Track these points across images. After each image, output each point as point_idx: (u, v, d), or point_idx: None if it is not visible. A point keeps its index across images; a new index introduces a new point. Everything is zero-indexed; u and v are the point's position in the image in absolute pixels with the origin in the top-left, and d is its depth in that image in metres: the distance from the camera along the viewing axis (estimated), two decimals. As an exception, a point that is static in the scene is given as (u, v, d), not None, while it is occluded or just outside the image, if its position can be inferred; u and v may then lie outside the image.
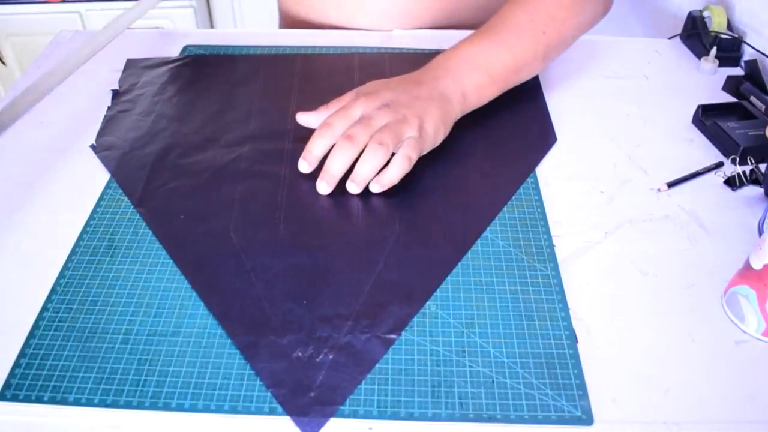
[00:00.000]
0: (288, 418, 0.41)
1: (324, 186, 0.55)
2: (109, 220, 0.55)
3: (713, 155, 0.64)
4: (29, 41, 1.73)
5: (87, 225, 0.55)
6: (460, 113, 0.60)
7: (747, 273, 0.46)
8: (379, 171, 0.55)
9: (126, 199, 0.57)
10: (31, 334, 0.46)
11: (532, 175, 0.60)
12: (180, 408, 0.42)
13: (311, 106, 0.70)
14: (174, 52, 0.80)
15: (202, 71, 0.75)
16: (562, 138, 0.65)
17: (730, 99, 0.72)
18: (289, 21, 0.92)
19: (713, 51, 0.76)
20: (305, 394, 0.42)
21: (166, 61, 0.77)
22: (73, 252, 0.52)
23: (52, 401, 0.42)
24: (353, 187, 0.55)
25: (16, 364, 0.44)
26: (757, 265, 0.45)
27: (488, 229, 0.55)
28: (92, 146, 0.64)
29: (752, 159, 0.61)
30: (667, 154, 0.64)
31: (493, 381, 0.43)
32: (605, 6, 0.70)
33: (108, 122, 0.67)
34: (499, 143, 0.64)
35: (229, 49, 0.80)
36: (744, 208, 0.57)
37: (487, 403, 0.42)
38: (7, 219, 0.56)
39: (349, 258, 0.51)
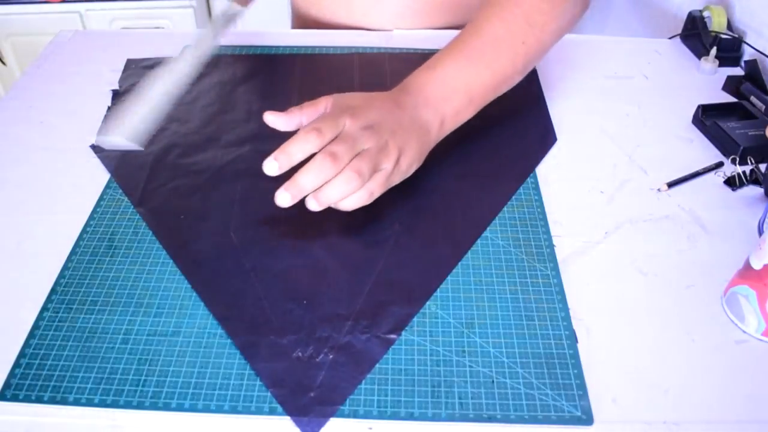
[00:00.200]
0: (288, 418, 0.41)
1: (287, 198, 0.48)
2: (109, 220, 0.55)
3: (713, 155, 0.64)
4: (29, 41, 1.73)
5: (87, 225, 0.55)
6: (436, 142, 0.57)
7: (747, 273, 0.46)
8: None
9: (126, 199, 0.57)
10: (31, 334, 0.46)
11: (532, 175, 0.60)
12: (180, 408, 0.42)
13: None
14: (174, 52, 0.79)
15: (202, 71, 0.75)
16: (562, 138, 0.65)
17: (730, 99, 0.72)
18: (300, 21, 0.92)
19: (713, 51, 0.76)
20: (305, 394, 0.42)
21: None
22: (73, 252, 0.52)
23: (52, 401, 0.42)
24: (313, 204, 0.49)
25: (16, 364, 0.44)
26: (757, 265, 0.45)
27: (488, 229, 0.55)
28: (92, 146, 0.64)
29: (752, 159, 0.61)
30: (667, 154, 0.64)
31: (493, 381, 0.43)
32: (584, 6, 0.66)
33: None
34: (499, 143, 0.64)
35: (229, 49, 0.80)
36: (744, 208, 0.57)
37: (487, 403, 0.42)
38: (7, 219, 0.56)
39: (349, 258, 0.51)
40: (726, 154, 0.63)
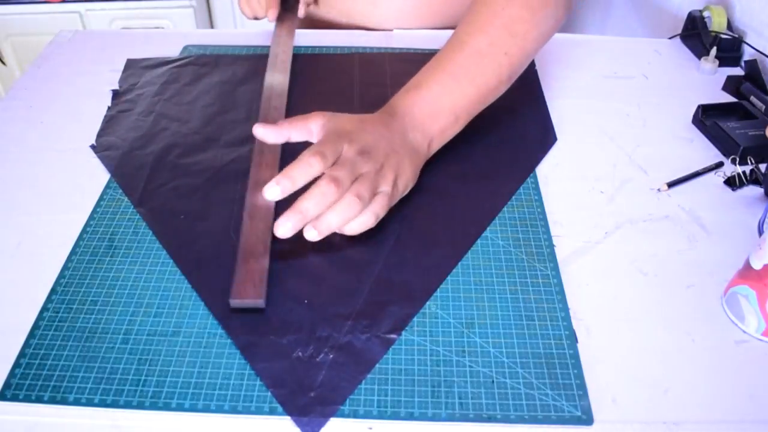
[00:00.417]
0: (288, 418, 0.41)
1: (287, 227, 0.47)
2: (109, 220, 0.55)
3: (713, 155, 0.64)
4: (29, 41, 1.73)
5: (87, 225, 0.55)
6: (424, 161, 0.57)
7: (747, 273, 0.46)
8: None
9: (126, 199, 0.57)
10: (31, 334, 0.46)
11: (532, 175, 0.60)
12: (180, 408, 0.42)
13: (311, 106, 0.70)
14: (174, 52, 0.80)
15: (202, 71, 0.75)
16: (562, 138, 0.65)
17: (730, 99, 0.72)
18: (306, 20, 0.92)
19: (713, 51, 0.76)
20: (305, 394, 0.42)
21: (166, 61, 0.77)
22: (73, 252, 0.52)
23: (52, 401, 0.42)
24: (313, 234, 0.48)
25: (16, 364, 0.44)
26: (757, 265, 0.45)
27: (488, 229, 0.55)
28: (92, 146, 0.64)
29: (752, 159, 0.61)
30: (667, 154, 0.64)
31: (493, 381, 0.43)
32: (567, 8, 0.65)
33: (108, 122, 0.67)
34: (499, 143, 0.64)
35: (229, 49, 0.80)
36: (744, 208, 0.57)
37: (487, 403, 0.42)
38: (7, 219, 0.56)
39: (349, 258, 0.51)
40: (726, 154, 0.63)
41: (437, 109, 0.57)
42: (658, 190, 0.59)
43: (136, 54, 0.78)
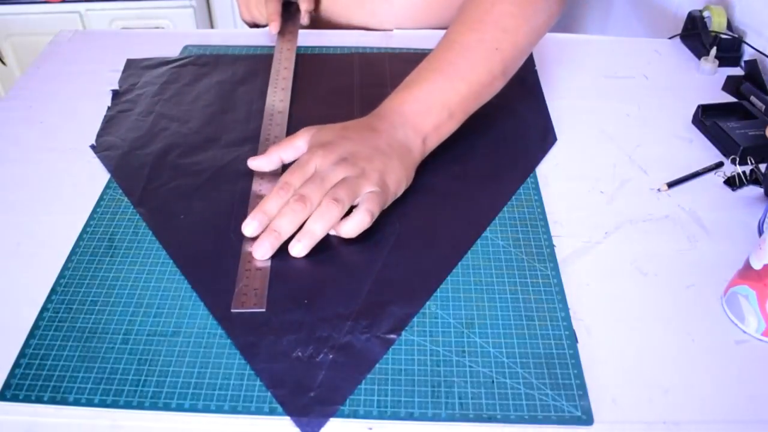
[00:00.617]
0: (288, 418, 0.41)
1: (266, 248, 0.50)
2: (109, 220, 0.55)
3: (713, 155, 0.64)
4: (29, 41, 1.73)
5: (87, 225, 0.55)
6: (421, 159, 0.57)
7: (747, 273, 0.46)
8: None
9: (126, 199, 0.57)
10: (31, 334, 0.46)
11: (532, 175, 0.60)
12: (180, 408, 0.42)
13: (311, 105, 0.70)
14: (174, 52, 0.80)
15: (202, 71, 0.75)
16: (562, 138, 0.65)
17: (730, 99, 0.72)
18: (313, 21, 0.93)
19: (713, 51, 0.76)
20: (305, 395, 0.42)
21: (166, 61, 0.77)
22: (73, 252, 0.52)
23: (52, 401, 0.42)
24: (299, 248, 0.50)
25: (16, 364, 0.44)
26: (757, 265, 0.45)
27: (488, 229, 0.54)
28: (92, 146, 0.64)
29: (752, 159, 0.61)
30: (667, 154, 0.64)
31: (493, 381, 0.43)
32: (560, 2, 0.65)
33: (108, 122, 0.67)
34: (499, 143, 0.64)
35: (229, 49, 0.80)
36: (744, 208, 0.57)
37: (487, 403, 0.42)
38: (7, 219, 0.56)
39: (349, 258, 0.51)
40: (726, 154, 0.63)
41: (428, 105, 0.57)
42: (658, 190, 0.59)
43: (136, 54, 0.78)
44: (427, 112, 0.57)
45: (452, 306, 0.48)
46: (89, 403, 0.42)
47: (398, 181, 0.54)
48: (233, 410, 0.42)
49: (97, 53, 0.80)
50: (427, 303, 0.48)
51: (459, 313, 0.48)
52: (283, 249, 0.51)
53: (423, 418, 0.41)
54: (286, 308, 0.48)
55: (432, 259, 0.51)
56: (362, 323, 0.46)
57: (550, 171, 0.61)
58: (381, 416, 0.41)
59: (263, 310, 0.47)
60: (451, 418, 0.41)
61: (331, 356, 0.44)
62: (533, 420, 0.41)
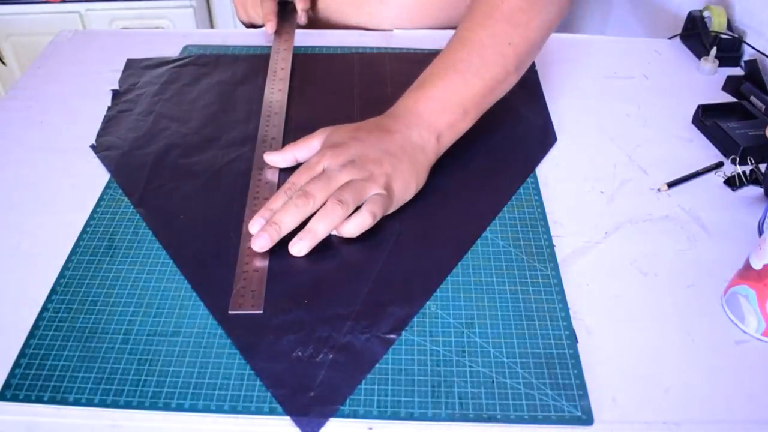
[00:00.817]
0: (288, 418, 0.41)
1: (265, 239, 0.50)
2: (109, 220, 0.55)
3: (713, 155, 0.64)
4: (29, 41, 1.73)
5: (87, 225, 0.55)
6: (435, 158, 0.57)
7: (747, 273, 0.46)
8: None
9: (126, 199, 0.57)
10: (31, 334, 0.46)
11: (532, 175, 0.60)
12: (180, 408, 0.42)
13: (311, 105, 0.70)
14: (174, 52, 0.80)
15: (202, 71, 0.75)
16: (562, 138, 0.65)
17: (730, 99, 0.72)
18: (309, 20, 0.93)
19: (713, 51, 0.76)
20: (305, 394, 0.42)
21: (166, 61, 0.77)
22: (73, 252, 0.52)
23: (52, 401, 0.42)
24: (300, 247, 0.50)
25: (16, 364, 0.44)
26: (757, 265, 0.45)
27: (488, 229, 0.54)
28: (92, 146, 0.64)
29: (752, 159, 0.61)
30: (667, 154, 0.64)
31: (493, 381, 0.43)
32: None
33: (108, 122, 0.67)
34: (499, 143, 0.64)
35: (229, 49, 0.80)
36: (744, 208, 0.57)
37: (487, 403, 0.42)
38: (7, 219, 0.56)
39: (349, 258, 0.51)
40: (726, 154, 0.63)
41: (443, 104, 0.57)
42: (658, 190, 0.59)
43: (136, 54, 0.78)
44: (441, 110, 0.57)
45: (452, 306, 0.48)
46: (89, 403, 0.42)
47: (406, 185, 0.54)
48: (233, 410, 0.42)
49: (97, 53, 0.80)
50: (427, 303, 0.48)
51: (459, 313, 0.48)
52: (283, 249, 0.51)
53: (423, 418, 0.41)
54: (286, 308, 0.48)
55: (432, 259, 0.51)
56: (362, 323, 0.46)
57: (550, 171, 0.61)
58: (381, 416, 0.41)
59: (260, 311, 0.47)
60: (451, 418, 0.41)
61: (331, 356, 0.44)
62: (533, 420, 0.41)
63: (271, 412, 0.42)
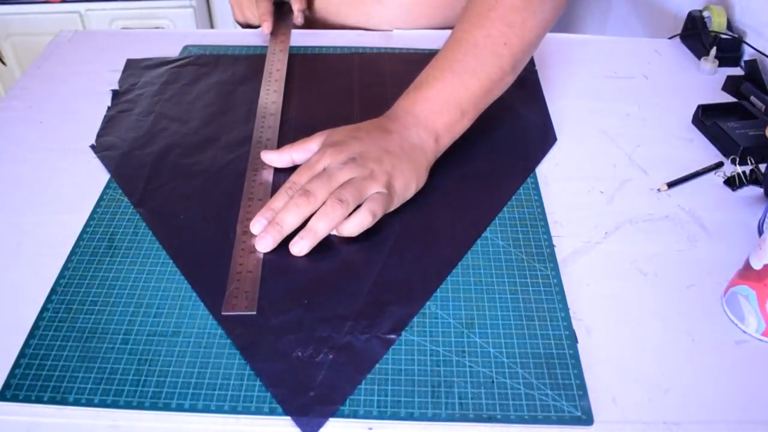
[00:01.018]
0: (288, 418, 0.41)
1: (268, 241, 0.51)
2: (109, 220, 0.55)
3: (713, 155, 0.64)
4: (29, 41, 1.73)
5: (87, 225, 0.55)
6: (434, 159, 0.57)
7: (747, 273, 0.46)
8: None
9: (126, 199, 0.57)
10: (31, 334, 0.46)
11: (532, 175, 0.60)
12: (180, 408, 0.42)
13: (311, 105, 0.70)
14: (174, 52, 0.80)
15: (202, 71, 0.75)
16: (562, 138, 0.65)
17: (730, 99, 0.72)
18: (306, 20, 0.93)
19: (713, 51, 0.76)
20: (305, 394, 0.42)
21: (166, 61, 0.77)
22: (73, 252, 0.52)
23: (52, 401, 0.42)
24: (300, 246, 0.50)
25: (16, 364, 0.44)
26: (757, 265, 0.45)
27: (488, 229, 0.54)
28: (92, 146, 0.64)
29: (752, 159, 0.61)
30: (667, 154, 0.64)
31: (493, 381, 0.43)
32: None
33: (108, 122, 0.67)
34: (499, 143, 0.64)
35: (229, 49, 0.80)
36: (744, 208, 0.57)
37: (487, 403, 0.42)
38: (7, 219, 0.56)
39: (349, 258, 0.51)
40: (726, 154, 0.63)
41: (440, 105, 0.57)
42: (658, 190, 0.59)
43: (136, 54, 0.78)
44: (439, 111, 0.57)
45: (452, 306, 0.48)
46: (89, 403, 0.42)
47: (406, 184, 0.54)
48: (233, 410, 0.42)
49: (97, 53, 0.80)
50: (427, 303, 0.48)
51: (459, 313, 0.48)
52: (283, 249, 0.51)
53: (423, 418, 0.41)
54: (286, 308, 0.47)
55: (432, 259, 0.51)
56: (362, 323, 0.46)
57: (550, 171, 0.61)
58: (381, 416, 0.41)
59: (254, 313, 0.47)
60: (451, 418, 0.41)
61: (331, 356, 0.44)
62: (533, 420, 0.41)
63: (271, 412, 0.42)
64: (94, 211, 0.56)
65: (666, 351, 0.46)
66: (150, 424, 0.41)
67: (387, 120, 0.58)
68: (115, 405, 0.42)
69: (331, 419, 0.41)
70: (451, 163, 0.60)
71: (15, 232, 0.54)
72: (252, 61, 0.77)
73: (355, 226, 0.51)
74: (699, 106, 0.67)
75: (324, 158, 0.54)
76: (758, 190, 0.59)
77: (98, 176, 0.60)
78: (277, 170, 0.60)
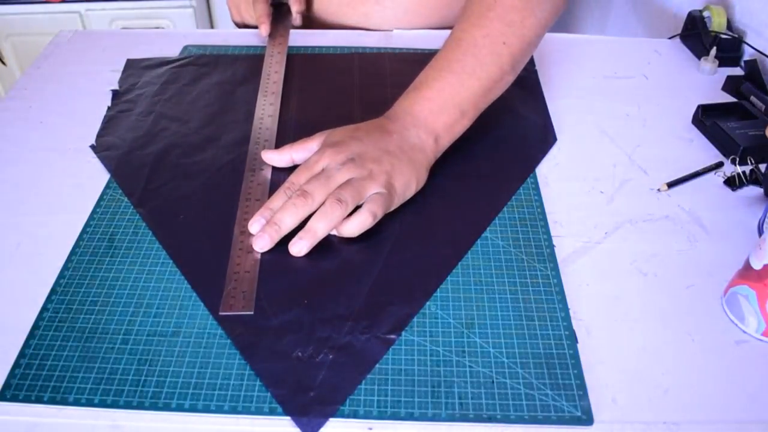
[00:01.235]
0: (288, 418, 0.41)
1: (265, 240, 0.51)
2: (109, 220, 0.55)
3: (713, 155, 0.64)
4: (29, 41, 1.73)
5: (87, 225, 0.55)
6: (434, 159, 0.57)
7: (747, 273, 0.46)
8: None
9: (126, 199, 0.57)
10: (31, 334, 0.46)
11: (532, 175, 0.60)
12: (180, 408, 0.42)
13: (311, 105, 0.70)
14: (174, 52, 0.80)
15: (202, 71, 0.75)
16: (562, 138, 0.65)
17: (730, 99, 0.72)
18: (305, 21, 0.93)
19: (713, 51, 0.76)
20: (305, 394, 0.42)
21: (166, 61, 0.77)
22: (73, 252, 0.52)
23: (52, 401, 0.42)
24: (300, 246, 0.50)
25: (16, 364, 0.44)
26: (757, 265, 0.45)
27: (488, 229, 0.54)
28: (92, 146, 0.64)
29: (752, 159, 0.61)
30: (667, 154, 0.64)
31: (493, 381, 0.43)
32: None
33: (108, 122, 0.67)
34: (499, 143, 0.64)
35: (229, 49, 0.80)
36: (744, 208, 0.57)
37: (487, 403, 0.42)
38: (7, 219, 0.56)
39: (349, 258, 0.51)
40: (726, 154, 0.63)
41: (439, 105, 0.57)
42: (658, 190, 0.59)
43: (136, 54, 0.78)
44: (438, 111, 0.57)
45: (452, 306, 0.48)
46: (89, 403, 0.42)
47: (406, 183, 0.54)
48: (233, 410, 0.42)
49: (97, 53, 0.80)
50: (427, 303, 0.48)
51: (459, 313, 0.48)
52: (283, 249, 0.51)
53: (423, 418, 0.41)
54: (286, 308, 0.48)
55: (432, 259, 0.51)
56: (362, 323, 0.46)
57: (550, 171, 0.61)
58: (381, 416, 0.41)
59: (251, 313, 0.47)
60: (451, 418, 0.41)
61: (331, 356, 0.44)
62: (533, 420, 0.41)
63: (271, 412, 0.42)
64: (94, 211, 0.56)
65: (666, 351, 0.46)
66: (150, 424, 0.41)
67: (386, 120, 0.58)
68: (115, 405, 0.42)
69: (331, 419, 0.41)
70: (451, 163, 0.60)
71: (15, 232, 0.54)
72: (252, 61, 0.77)
73: (356, 226, 0.51)
74: (699, 106, 0.67)
75: (323, 159, 0.54)
76: (758, 190, 0.59)
77: (98, 176, 0.60)
78: (275, 170, 0.60)
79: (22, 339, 0.46)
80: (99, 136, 0.65)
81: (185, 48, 0.80)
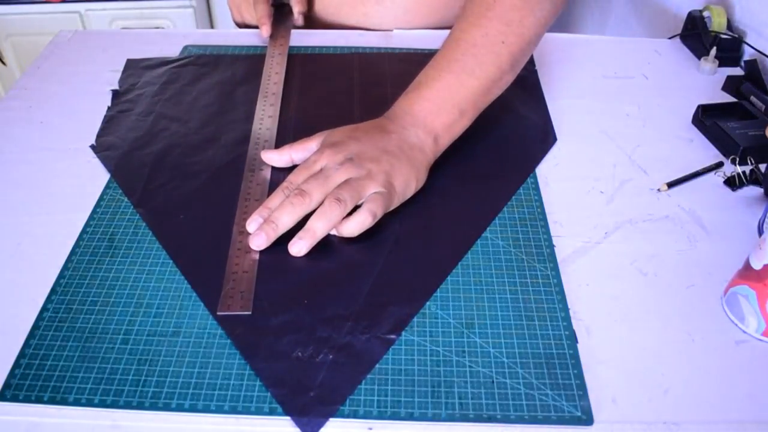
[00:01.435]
0: (288, 418, 0.41)
1: (262, 238, 0.51)
2: (109, 220, 0.55)
3: (713, 155, 0.64)
4: (29, 41, 1.73)
5: (87, 225, 0.55)
6: (434, 158, 0.57)
7: (747, 273, 0.46)
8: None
9: (126, 199, 0.57)
10: (31, 334, 0.46)
11: (532, 175, 0.60)
12: (180, 408, 0.42)
13: (311, 105, 0.70)
14: (174, 52, 0.80)
15: (202, 71, 0.75)
16: (562, 138, 0.65)
17: (730, 99, 0.72)
18: (305, 21, 0.93)
19: (713, 51, 0.76)
20: (305, 394, 0.42)
21: (166, 61, 0.77)
22: (73, 252, 0.52)
23: (52, 401, 0.42)
24: (299, 246, 0.50)
25: (16, 364, 0.44)
26: (757, 265, 0.45)
27: (488, 229, 0.54)
28: (92, 146, 0.64)
29: (752, 159, 0.61)
30: (667, 154, 0.64)
31: (493, 381, 0.43)
32: None
33: (108, 122, 0.67)
34: (499, 143, 0.64)
35: (229, 49, 0.80)
36: (744, 208, 0.57)
37: (487, 403, 0.42)
38: (7, 219, 0.56)
39: (349, 258, 0.51)
40: (726, 154, 0.63)
41: (439, 104, 0.57)
42: (658, 190, 0.59)
43: (136, 54, 0.78)
44: (437, 111, 0.57)
45: (452, 306, 0.48)
46: (89, 403, 0.42)
47: (406, 183, 0.54)
48: (233, 410, 0.42)
49: (97, 53, 0.80)
50: (427, 303, 0.48)
51: (459, 313, 0.48)
52: (283, 249, 0.51)
53: (423, 418, 0.41)
54: (286, 308, 0.47)
55: (432, 259, 0.51)
56: (362, 323, 0.46)
57: (550, 171, 0.61)
58: (381, 416, 0.41)
59: (249, 313, 0.47)
60: (451, 418, 0.41)
61: (331, 356, 0.44)
62: (533, 420, 0.41)
63: (271, 412, 0.42)
64: (94, 211, 0.56)
65: (666, 351, 0.46)
66: (150, 424, 0.41)
67: (386, 120, 0.58)
68: (115, 405, 0.42)
69: (331, 419, 0.41)
70: (451, 163, 0.60)
71: (15, 232, 0.54)
72: (252, 62, 0.77)
73: (356, 226, 0.51)
74: (699, 106, 0.67)
75: (322, 158, 0.54)
76: (758, 190, 0.59)
77: (98, 176, 0.60)
78: (275, 170, 0.60)
79: (22, 339, 0.46)
80: (99, 136, 0.65)
81: (185, 48, 0.80)
